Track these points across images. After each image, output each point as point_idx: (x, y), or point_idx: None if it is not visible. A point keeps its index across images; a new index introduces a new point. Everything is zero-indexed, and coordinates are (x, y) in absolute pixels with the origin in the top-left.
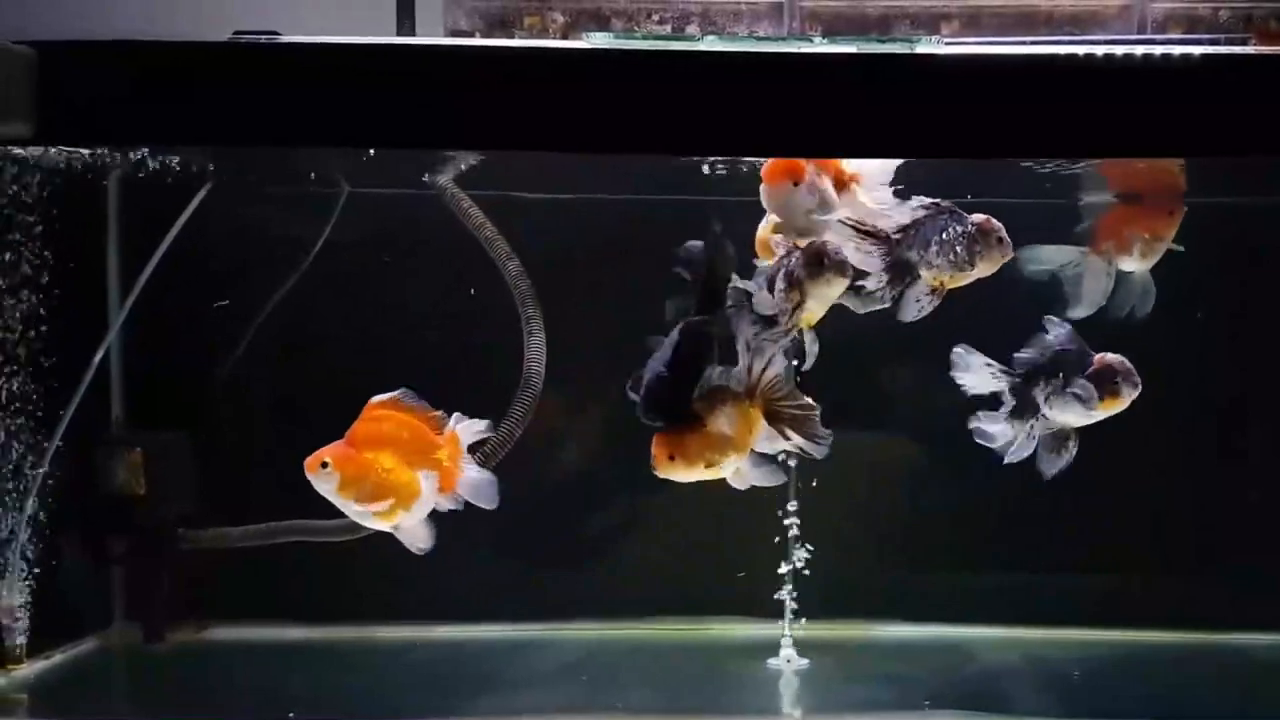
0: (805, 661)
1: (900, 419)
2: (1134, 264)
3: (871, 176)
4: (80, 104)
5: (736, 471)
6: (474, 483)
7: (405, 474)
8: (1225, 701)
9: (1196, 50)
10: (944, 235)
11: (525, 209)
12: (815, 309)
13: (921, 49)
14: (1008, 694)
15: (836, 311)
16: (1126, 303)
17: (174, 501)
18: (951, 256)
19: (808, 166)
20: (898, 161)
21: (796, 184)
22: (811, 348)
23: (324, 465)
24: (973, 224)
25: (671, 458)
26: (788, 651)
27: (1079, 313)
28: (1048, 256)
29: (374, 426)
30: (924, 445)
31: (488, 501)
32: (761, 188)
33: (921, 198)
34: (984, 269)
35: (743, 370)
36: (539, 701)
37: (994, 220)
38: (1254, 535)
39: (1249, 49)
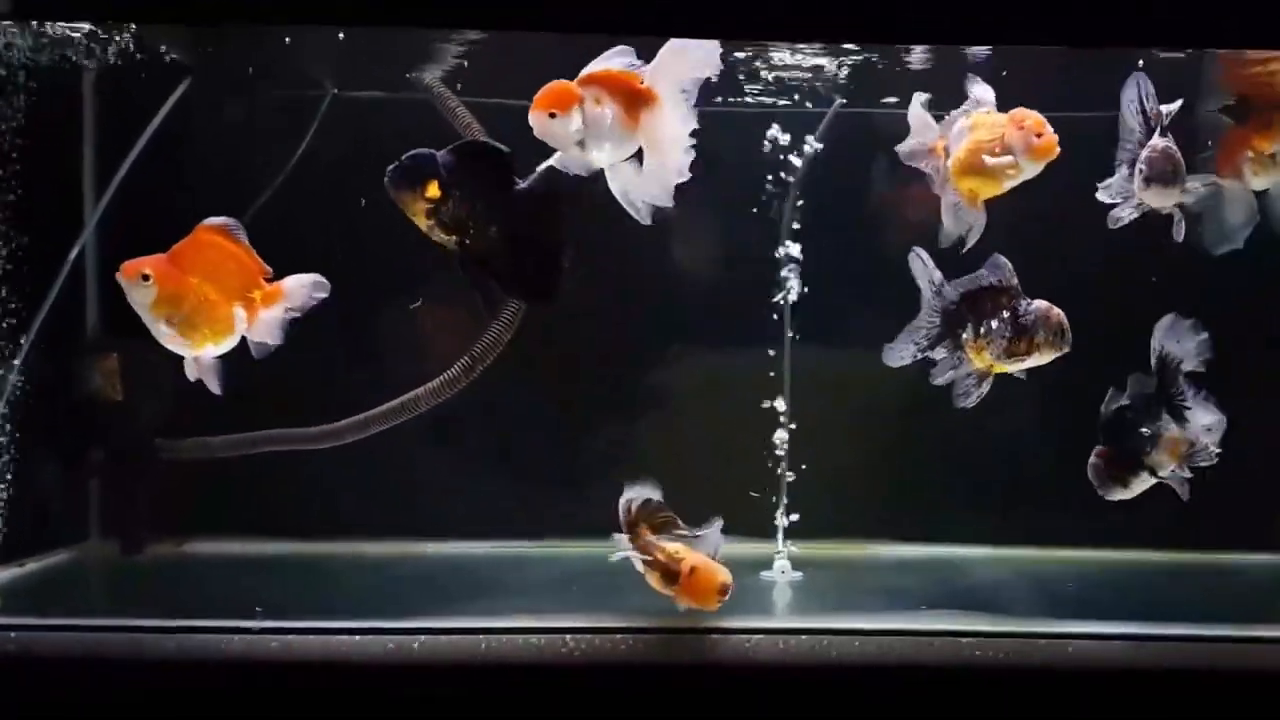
0: (799, 574)
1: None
2: (1264, 181)
3: (669, 92)
4: None
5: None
6: (265, 324)
7: (224, 307)
8: (1211, 611)
9: None
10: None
11: (514, 112)
12: (1022, 365)
13: None
14: (1001, 601)
15: (834, 243)
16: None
17: (152, 409)
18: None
19: (584, 91)
20: (699, 75)
21: (553, 115)
22: (978, 391)
23: (145, 277)
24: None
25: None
26: (781, 563)
27: (1229, 245)
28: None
29: (201, 251)
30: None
31: (261, 344)
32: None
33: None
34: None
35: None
36: (527, 608)
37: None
38: (1243, 461)
39: None
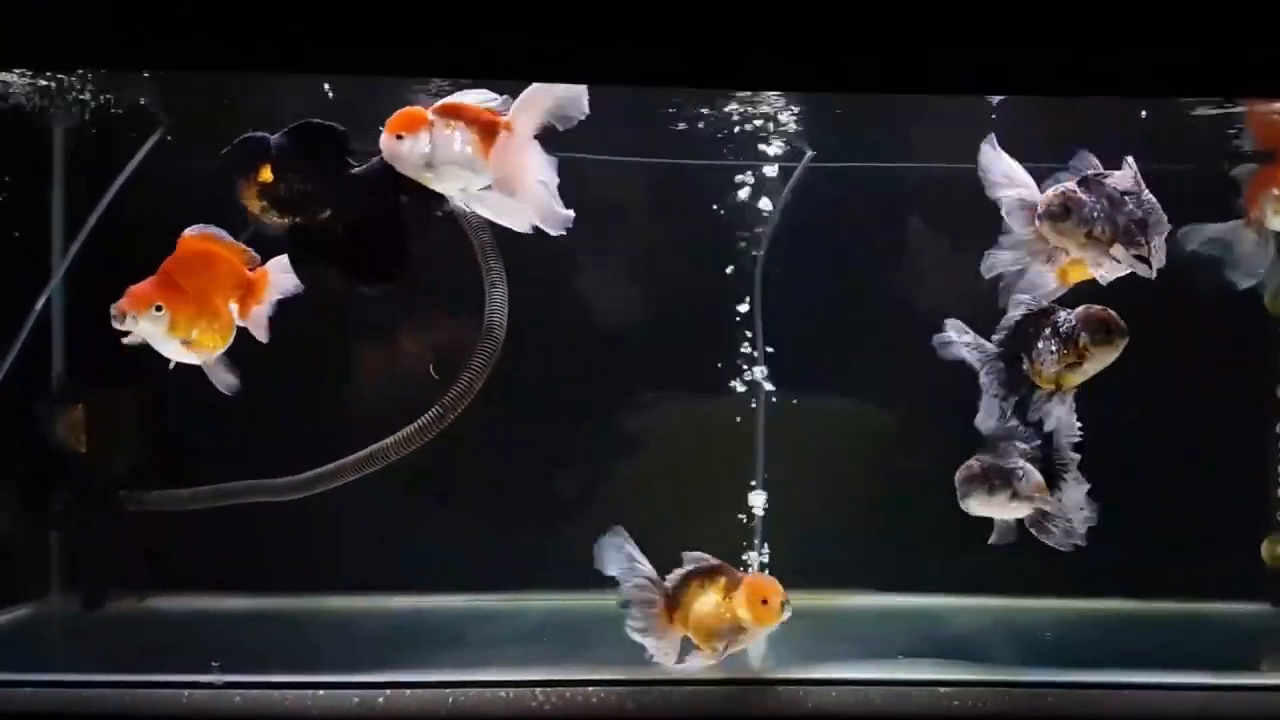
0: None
1: (870, 393)
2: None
3: (527, 130)
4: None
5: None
6: (257, 317)
7: (226, 311)
8: (1190, 659)
9: None
10: None
11: None
12: (1090, 372)
13: None
14: (979, 650)
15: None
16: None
17: (117, 460)
18: None
19: (436, 117)
20: (564, 116)
21: (401, 137)
22: (1066, 413)
23: (158, 309)
24: None
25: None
26: None
27: (1242, 284)
28: (1210, 233)
29: (193, 261)
30: (892, 418)
31: (260, 334)
32: None
33: None
34: None
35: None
36: (495, 661)
37: None
38: (1212, 510)
39: None
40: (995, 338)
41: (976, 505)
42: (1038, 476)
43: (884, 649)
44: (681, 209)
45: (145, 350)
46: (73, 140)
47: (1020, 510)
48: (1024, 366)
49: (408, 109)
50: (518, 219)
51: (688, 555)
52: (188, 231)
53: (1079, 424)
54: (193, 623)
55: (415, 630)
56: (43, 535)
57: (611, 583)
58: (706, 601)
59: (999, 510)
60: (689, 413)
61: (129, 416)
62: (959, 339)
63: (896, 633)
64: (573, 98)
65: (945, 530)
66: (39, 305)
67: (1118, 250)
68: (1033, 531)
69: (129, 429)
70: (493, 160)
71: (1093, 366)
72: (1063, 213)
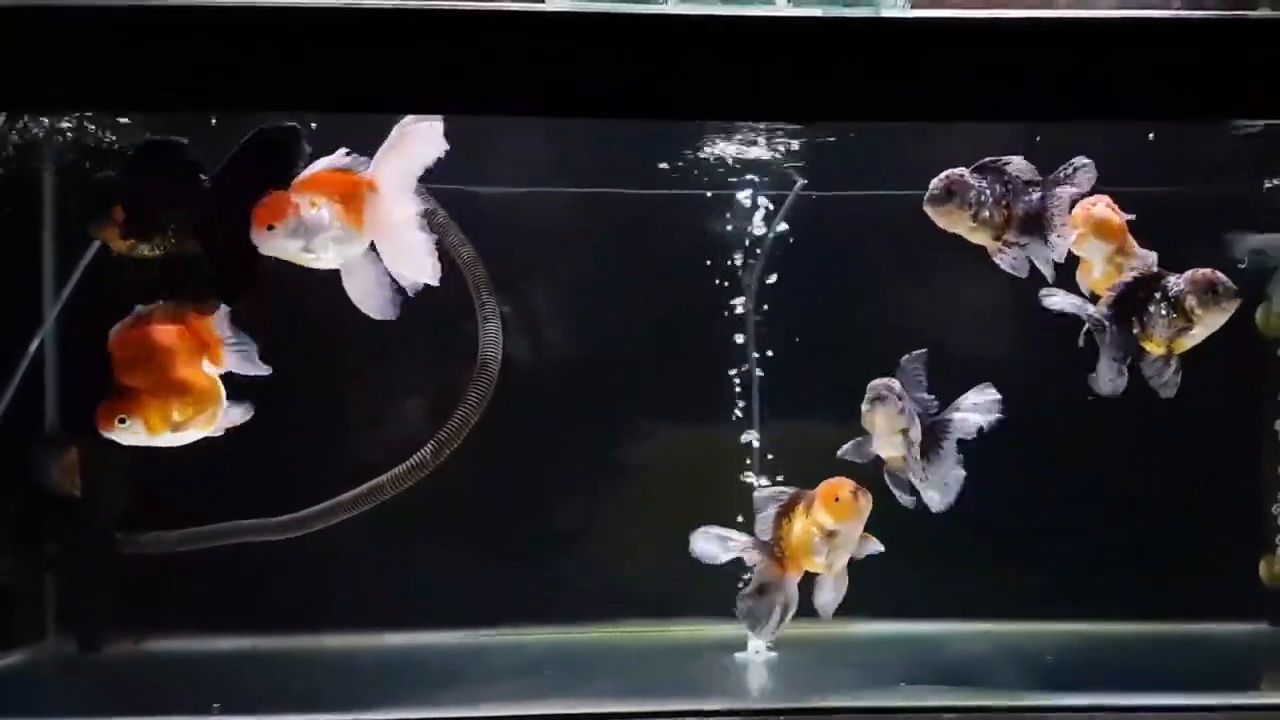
0: (774, 654)
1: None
2: None
3: (392, 179)
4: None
5: None
6: (238, 354)
7: (199, 377)
8: (1192, 680)
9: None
10: None
11: (479, 198)
12: (1200, 335)
13: (886, 13)
14: (980, 676)
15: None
16: None
17: (111, 503)
18: None
19: (298, 197)
20: (425, 157)
21: (272, 228)
22: (1175, 377)
23: (121, 420)
24: None
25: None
26: (756, 644)
27: None
28: (1254, 244)
29: (134, 355)
30: None
31: (255, 368)
32: None
33: None
34: None
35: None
36: (496, 696)
37: None
38: (1210, 530)
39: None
40: (1101, 305)
41: (882, 420)
42: (919, 430)
43: (886, 676)
44: (673, 239)
45: None
46: (63, 180)
47: (897, 449)
48: (1135, 330)
49: (270, 196)
50: (404, 277)
51: (760, 494)
52: (114, 331)
53: (984, 422)
54: (191, 664)
55: (414, 667)
56: (39, 578)
57: (612, 616)
58: (794, 528)
59: (886, 433)
60: (685, 445)
61: (123, 459)
62: (1064, 299)
63: (898, 659)
64: (430, 137)
65: (945, 556)
66: (31, 350)
67: (1009, 238)
68: (886, 477)
69: (123, 471)
70: (368, 222)
71: (1201, 330)
72: (945, 195)
